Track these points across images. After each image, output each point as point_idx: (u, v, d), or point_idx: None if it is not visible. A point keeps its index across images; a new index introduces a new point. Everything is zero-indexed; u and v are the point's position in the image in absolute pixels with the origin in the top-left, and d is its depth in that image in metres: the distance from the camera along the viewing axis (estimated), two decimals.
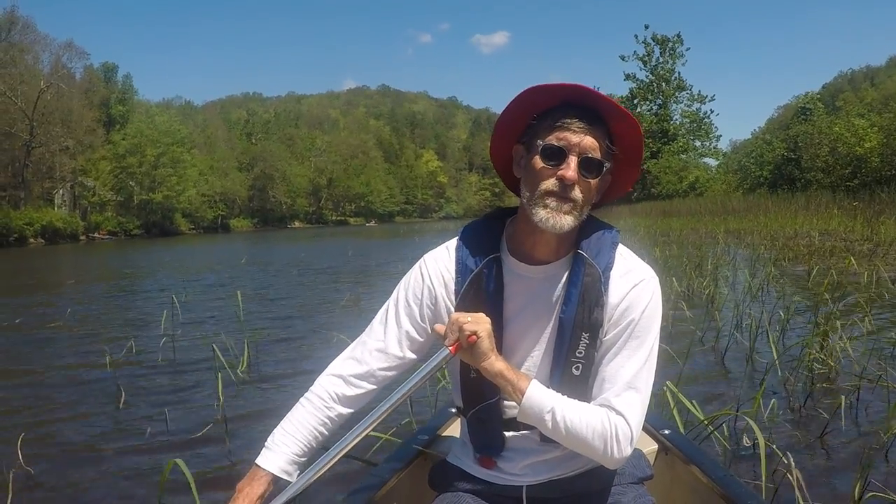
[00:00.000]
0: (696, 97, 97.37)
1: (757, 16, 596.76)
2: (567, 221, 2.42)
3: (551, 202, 2.42)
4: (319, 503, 5.06)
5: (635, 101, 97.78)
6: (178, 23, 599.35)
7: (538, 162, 2.45)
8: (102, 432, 7.29)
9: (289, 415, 2.71)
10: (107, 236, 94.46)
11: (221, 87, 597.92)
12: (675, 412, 5.75)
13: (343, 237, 72.05)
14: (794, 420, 6.70)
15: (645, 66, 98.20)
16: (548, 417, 2.42)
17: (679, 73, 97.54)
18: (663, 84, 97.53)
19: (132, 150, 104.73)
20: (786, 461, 4.52)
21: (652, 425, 3.52)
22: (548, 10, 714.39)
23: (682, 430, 5.33)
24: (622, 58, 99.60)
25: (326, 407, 2.67)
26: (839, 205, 35.75)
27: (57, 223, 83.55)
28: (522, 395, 2.43)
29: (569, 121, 2.42)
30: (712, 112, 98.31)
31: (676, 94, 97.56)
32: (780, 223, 32.70)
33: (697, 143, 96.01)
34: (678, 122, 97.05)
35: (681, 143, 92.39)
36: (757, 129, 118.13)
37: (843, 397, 6.55)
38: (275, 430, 2.68)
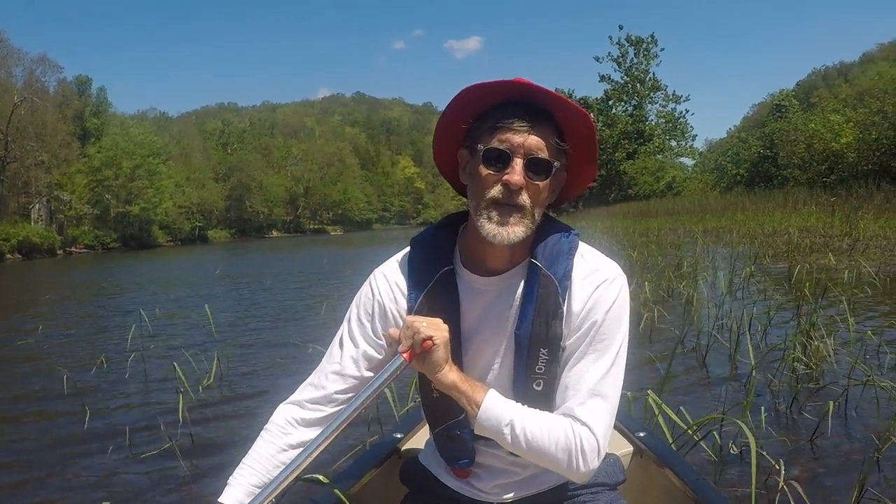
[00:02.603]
0: (671, 97, 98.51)
1: (730, 14, 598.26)
2: (516, 232, 2.30)
3: (495, 215, 2.29)
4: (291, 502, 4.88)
5: (610, 103, 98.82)
6: (151, 35, 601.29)
7: (482, 168, 2.32)
8: (62, 454, 7.06)
9: (250, 449, 2.57)
10: (84, 250, 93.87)
11: (196, 98, 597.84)
12: (659, 418, 5.58)
13: (320, 246, 71.88)
14: (782, 424, 6.53)
15: (619, 67, 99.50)
16: (506, 431, 2.29)
17: (654, 73, 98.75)
18: (638, 85, 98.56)
19: (107, 163, 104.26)
20: (777, 467, 4.44)
21: (626, 427, 3.50)
22: (520, 15, 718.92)
23: (669, 438, 5.28)
24: (597, 59, 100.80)
25: (284, 433, 2.54)
26: (816, 201, 36.04)
27: (34, 238, 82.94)
28: (478, 406, 2.31)
29: (510, 120, 2.28)
30: (687, 112, 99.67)
31: (651, 94, 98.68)
32: (759, 221, 32.77)
33: (673, 143, 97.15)
34: (654, 123, 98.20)
35: (657, 144, 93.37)
36: (732, 128, 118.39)
37: (831, 401, 6.38)
38: (237, 467, 2.53)
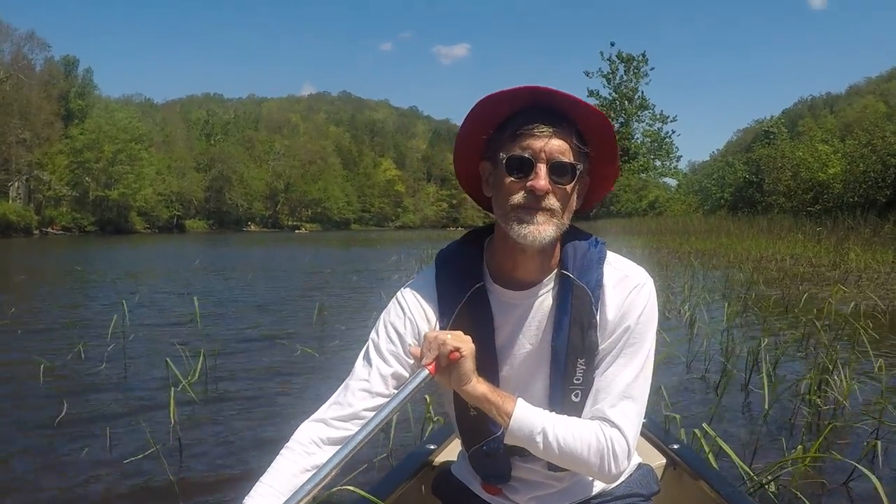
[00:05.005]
0: (658, 117, 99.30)
1: (719, 40, 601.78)
2: (547, 232, 2.27)
3: (524, 215, 2.27)
4: None
5: None
6: (141, 20, 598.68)
7: (505, 176, 2.30)
8: (35, 453, 6.70)
9: (269, 467, 2.39)
10: (60, 231, 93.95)
11: (182, 86, 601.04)
12: (710, 457, 5.38)
13: (296, 243, 71.60)
14: (813, 465, 6.17)
15: (609, 83, 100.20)
16: (539, 439, 2.29)
17: (642, 92, 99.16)
18: (626, 102, 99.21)
19: (90, 146, 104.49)
20: None
21: (660, 439, 3.57)
22: (509, 25, 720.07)
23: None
24: (587, 74, 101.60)
25: (308, 453, 2.37)
26: (802, 229, 35.98)
27: (10, 216, 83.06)
28: (509, 417, 2.30)
29: (530, 126, 2.26)
30: (673, 132, 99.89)
31: (639, 112, 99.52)
32: (745, 246, 32.61)
33: (658, 163, 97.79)
34: (639, 141, 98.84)
35: (641, 162, 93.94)
36: (716, 152, 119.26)
37: (867, 442, 6.23)
38: (255, 486, 2.34)
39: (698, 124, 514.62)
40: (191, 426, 7.39)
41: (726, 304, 13.85)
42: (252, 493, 2.32)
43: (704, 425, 5.70)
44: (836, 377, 7.91)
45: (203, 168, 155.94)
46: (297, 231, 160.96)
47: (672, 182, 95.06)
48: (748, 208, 52.74)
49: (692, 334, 11.74)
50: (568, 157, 2.26)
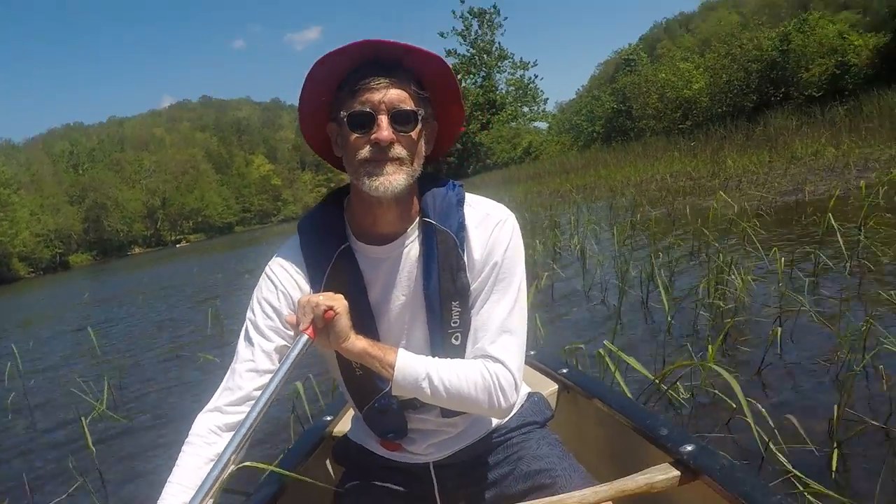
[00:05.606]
0: (518, 64, 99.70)
1: None
2: (398, 180, 2.29)
3: (373, 168, 2.28)
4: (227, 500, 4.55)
5: (459, 77, 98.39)
6: None
7: (350, 133, 2.31)
8: None
9: (175, 466, 2.38)
10: None
11: (40, 121, 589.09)
12: (616, 375, 5.42)
13: (180, 258, 70.89)
14: (723, 363, 6.25)
15: (465, 40, 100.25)
16: (425, 385, 2.34)
17: (499, 43, 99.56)
18: (485, 56, 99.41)
19: None
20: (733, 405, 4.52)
21: (549, 366, 3.70)
22: (357, 1, 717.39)
23: (627, 393, 5.26)
24: (441, 34, 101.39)
25: (208, 444, 2.40)
26: (676, 147, 36.42)
27: None
28: (393, 367, 2.33)
29: (366, 80, 2.28)
30: (536, 77, 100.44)
31: (499, 63, 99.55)
32: (624, 174, 32.85)
33: (525, 109, 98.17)
34: (504, 92, 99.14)
35: (509, 112, 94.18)
36: (581, 88, 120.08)
37: (771, 330, 6.37)
38: (164, 487, 2.33)
39: (560, 65, 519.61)
40: (110, 451, 7.32)
41: (613, 230, 14.00)
42: (163, 494, 2.29)
43: (606, 342, 5.72)
44: (731, 277, 8.04)
45: (76, 200, 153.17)
46: (178, 245, 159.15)
47: (543, 125, 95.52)
48: (621, 137, 53.07)
49: (585, 265, 11.83)
50: (409, 105, 2.29)
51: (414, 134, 2.31)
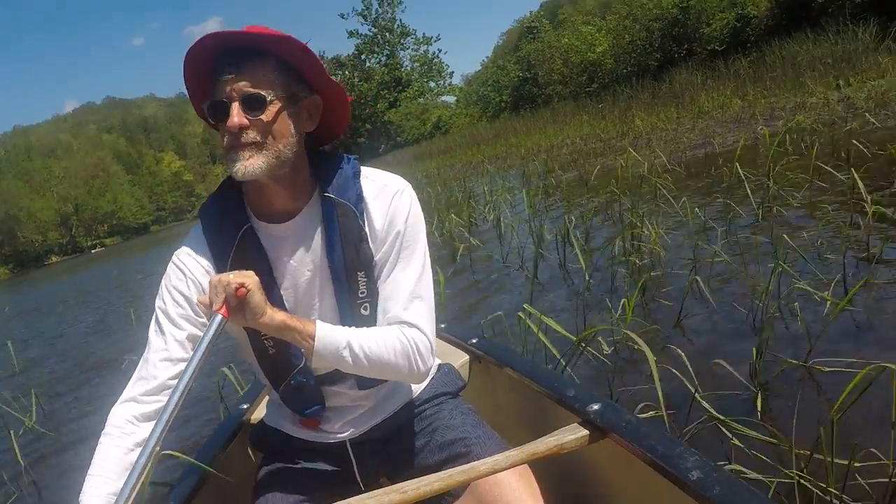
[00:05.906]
0: (421, 40, 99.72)
1: None
2: (256, 164, 2.29)
3: (232, 154, 2.30)
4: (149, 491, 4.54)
5: (363, 57, 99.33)
6: None
7: (214, 124, 2.36)
8: None
9: (93, 459, 2.37)
10: None
11: None
12: (540, 335, 5.35)
13: (95, 265, 70.15)
14: (642, 316, 6.35)
15: (366, 20, 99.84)
16: (346, 353, 2.36)
17: (401, 20, 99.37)
18: (387, 34, 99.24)
19: None
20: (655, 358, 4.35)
21: (459, 337, 3.75)
22: None
23: (555, 353, 5.24)
24: (342, 16, 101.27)
25: (126, 434, 2.38)
26: (585, 110, 36.63)
27: None
28: (313, 338, 2.34)
29: (219, 71, 2.31)
30: (440, 51, 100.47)
31: (402, 41, 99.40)
32: (534, 140, 32.95)
33: (432, 85, 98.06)
34: (409, 68, 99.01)
35: (416, 88, 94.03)
36: (486, 59, 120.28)
37: (687, 280, 6.40)
38: (85, 480, 2.32)
39: (463, 37, 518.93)
40: (43, 464, 7.29)
41: (524, 195, 14.01)
42: (85, 487, 2.28)
43: (526, 305, 5.73)
44: (645, 232, 8.10)
45: None
46: (93, 251, 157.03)
47: (451, 99, 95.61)
48: (529, 104, 53.21)
49: (501, 233, 11.86)
50: (259, 89, 2.28)
51: (265, 116, 2.30)
